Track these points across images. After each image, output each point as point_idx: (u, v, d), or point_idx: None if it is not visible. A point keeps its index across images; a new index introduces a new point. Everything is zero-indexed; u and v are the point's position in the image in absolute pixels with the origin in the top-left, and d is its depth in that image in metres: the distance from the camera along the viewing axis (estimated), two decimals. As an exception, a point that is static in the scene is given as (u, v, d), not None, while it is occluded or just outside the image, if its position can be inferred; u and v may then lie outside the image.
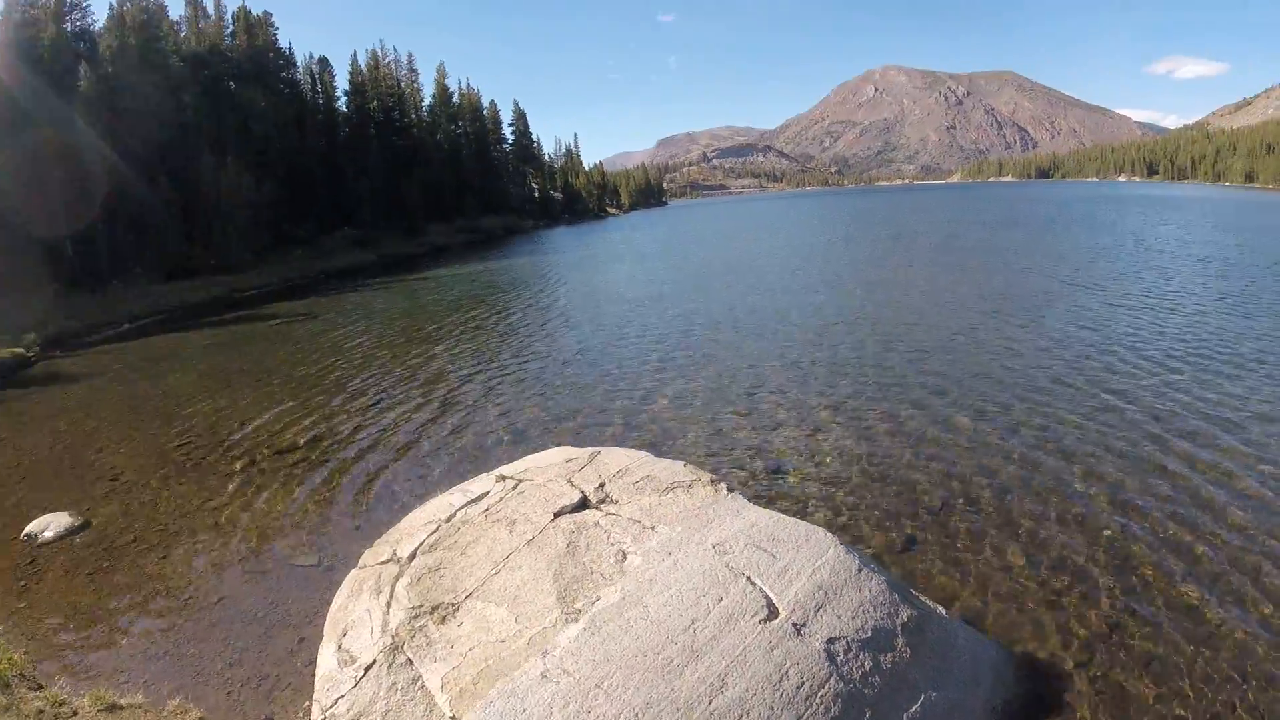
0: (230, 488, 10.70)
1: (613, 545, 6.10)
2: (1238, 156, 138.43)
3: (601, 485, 7.07)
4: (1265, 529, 7.50)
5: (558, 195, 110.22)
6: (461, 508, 7.15)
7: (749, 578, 5.28)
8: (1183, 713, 5.19)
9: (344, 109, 70.65)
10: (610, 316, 23.36)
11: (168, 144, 41.93)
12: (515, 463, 8.39)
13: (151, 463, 12.10)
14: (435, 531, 6.81)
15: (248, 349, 22.26)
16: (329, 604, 6.48)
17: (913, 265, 32.88)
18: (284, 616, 7.12)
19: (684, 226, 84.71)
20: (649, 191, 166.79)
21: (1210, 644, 5.86)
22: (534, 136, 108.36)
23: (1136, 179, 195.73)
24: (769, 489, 9.25)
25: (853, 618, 5.07)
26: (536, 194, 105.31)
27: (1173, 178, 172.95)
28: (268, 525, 9.36)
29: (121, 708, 4.69)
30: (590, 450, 8.15)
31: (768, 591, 5.14)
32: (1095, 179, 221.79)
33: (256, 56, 58.16)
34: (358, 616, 5.90)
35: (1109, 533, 7.62)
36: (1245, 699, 5.26)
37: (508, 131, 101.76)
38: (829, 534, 5.99)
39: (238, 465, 11.62)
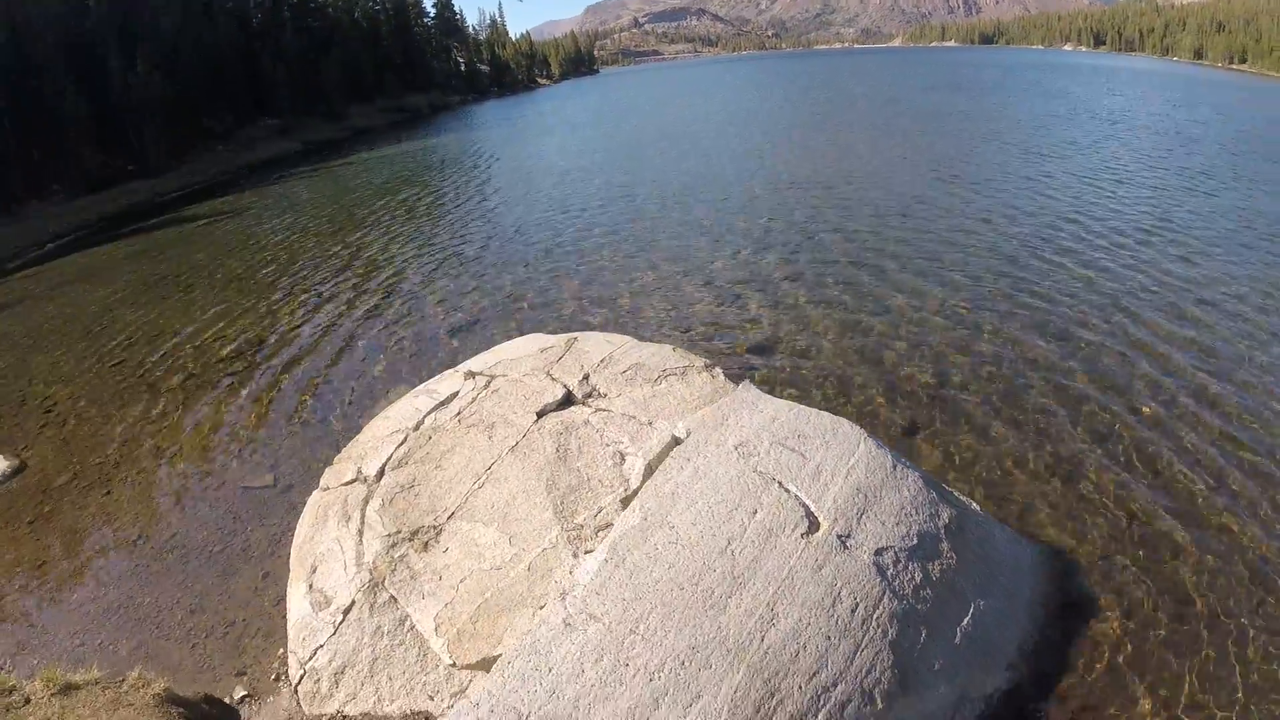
0: (170, 406, 9.63)
1: (608, 446, 5.41)
2: (1186, 32, 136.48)
3: (586, 377, 6.29)
4: (1255, 411, 7.29)
5: (484, 68, 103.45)
6: (429, 412, 6.28)
7: (780, 483, 4.65)
8: (1215, 603, 4.98)
9: None
10: (546, 192, 21.93)
11: (72, 49, 38.53)
12: (483, 355, 7.49)
13: (85, 388, 10.82)
14: (403, 443, 5.97)
15: (172, 254, 20.19)
16: (291, 531, 5.72)
17: (865, 130, 31.62)
18: (244, 549, 6.34)
19: (617, 95, 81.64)
20: (580, 60, 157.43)
21: (1218, 535, 5.64)
22: (457, 9, 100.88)
23: (1083, 49, 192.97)
24: (748, 370, 8.62)
25: (896, 523, 4.53)
26: (462, 68, 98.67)
27: (1119, 49, 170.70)
28: (214, 444, 8.42)
29: (78, 687, 3.97)
30: (566, 337, 7.30)
31: (804, 499, 4.54)
32: (1040, 46, 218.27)
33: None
34: (326, 548, 5.15)
35: (1105, 416, 7.29)
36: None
37: (429, 5, 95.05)
38: (854, 425, 5.41)
39: (175, 380, 10.45)
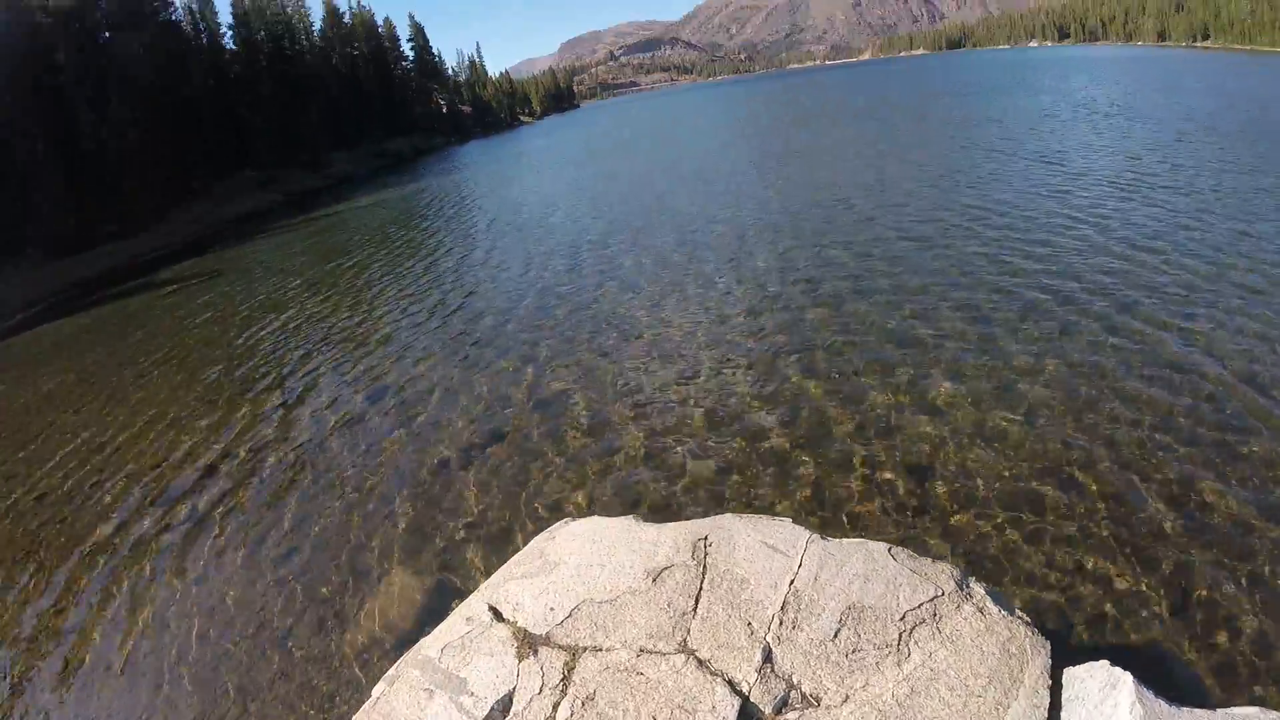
0: (75, 591, 7.26)
1: None
2: (1148, 15, 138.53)
3: (767, 656, 3.46)
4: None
5: (466, 109, 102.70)
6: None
7: None
8: None
9: (231, 45, 63.06)
10: (537, 248, 19.08)
11: (44, 107, 36.80)
12: (536, 576, 4.43)
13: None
14: None
15: (138, 332, 17.92)
16: None
17: (878, 145, 30.02)
18: None
19: (600, 128, 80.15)
20: (560, 95, 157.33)
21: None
22: (435, 51, 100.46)
23: (1049, 43, 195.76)
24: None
25: None
26: (444, 110, 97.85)
27: (1085, 39, 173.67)
28: (139, 665, 6.01)
29: None
30: (684, 532, 4.48)
31: None
32: (1007, 46, 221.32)
33: (128, 3, 50.02)
34: None
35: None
36: None
37: (407, 48, 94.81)
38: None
39: (99, 556, 7.77)
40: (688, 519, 5.35)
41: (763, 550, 4.24)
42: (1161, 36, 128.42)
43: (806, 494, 6.55)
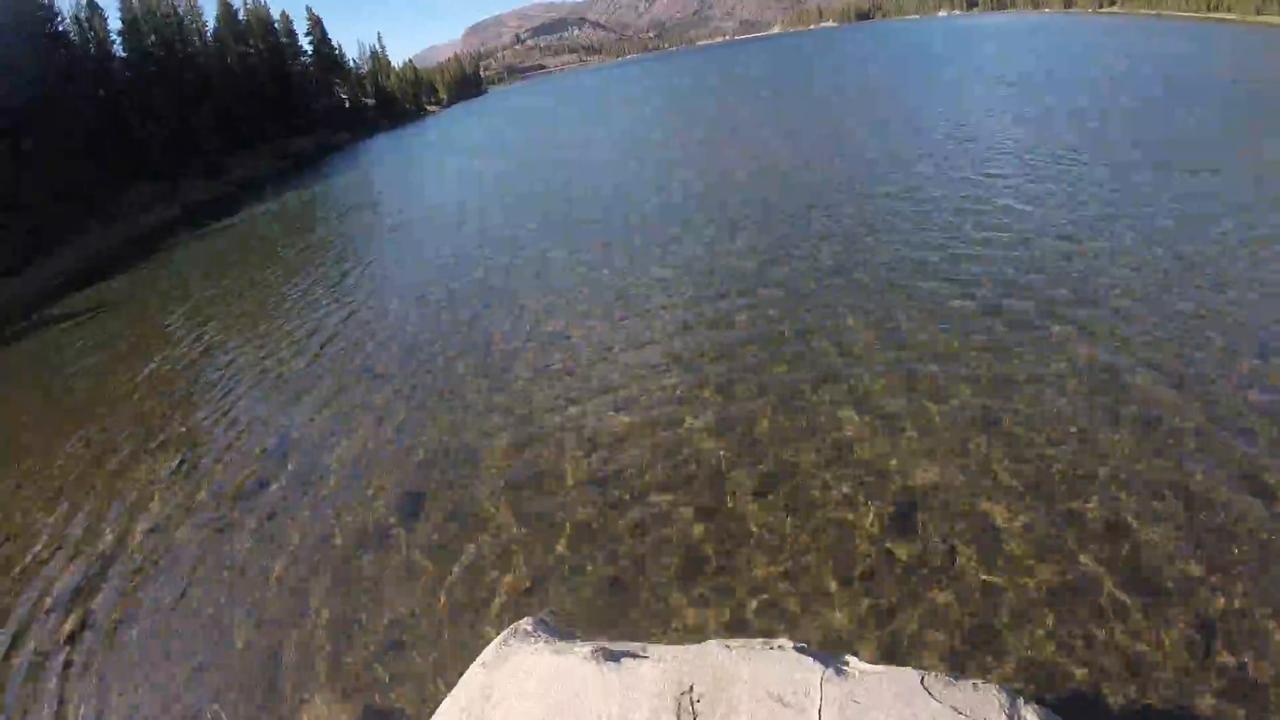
0: None
1: None
2: None
3: None
4: None
5: (370, 101, 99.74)
6: None
7: None
8: None
9: (121, 52, 59.62)
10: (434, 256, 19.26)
11: None
12: None
13: None
14: None
15: (13, 392, 16.53)
16: None
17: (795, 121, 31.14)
18: None
19: (505, 115, 79.61)
20: (466, 82, 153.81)
21: None
22: (335, 44, 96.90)
23: (958, 12, 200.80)
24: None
25: None
26: (347, 104, 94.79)
27: (993, 8, 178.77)
28: None
29: None
30: (667, 678, 3.60)
31: None
32: (917, 16, 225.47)
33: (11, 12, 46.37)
34: None
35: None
36: None
37: (305, 43, 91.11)
38: None
39: None
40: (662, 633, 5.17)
41: (768, 705, 3.34)
42: (1068, 4, 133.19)
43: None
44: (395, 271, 18.43)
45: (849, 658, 3.71)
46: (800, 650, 3.61)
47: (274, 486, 9.03)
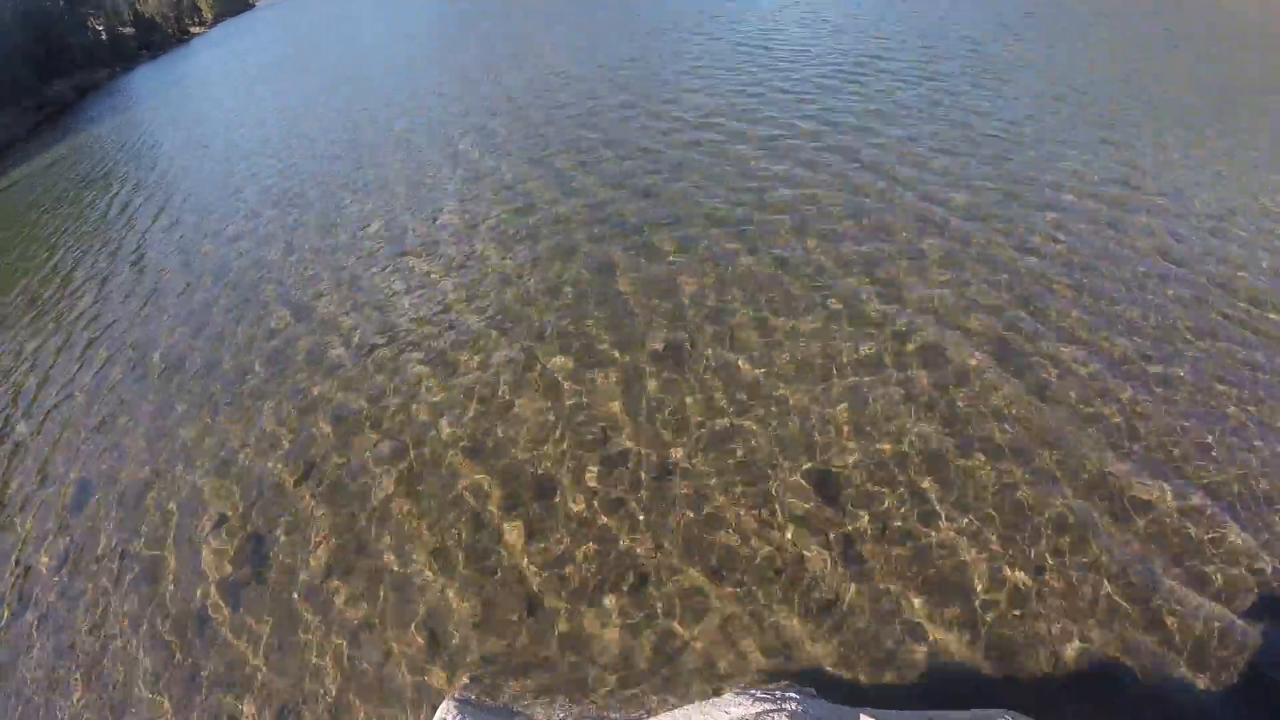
0: None
1: None
2: None
3: None
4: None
5: (128, 30, 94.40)
6: None
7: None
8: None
9: None
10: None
11: None
12: None
13: None
14: None
15: None
16: None
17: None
18: None
19: (280, 37, 74.52)
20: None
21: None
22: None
23: None
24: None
25: None
26: (104, 36, 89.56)
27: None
28: None
29: None
30: None
31: None
32: None
33: None
34: None
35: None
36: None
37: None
38: None
39: None
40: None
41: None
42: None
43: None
44: (176, 246, 18.15)
45: (862, 715, 3.74)
46: (809, 698, 3.62)
47: (84, 547, 8.59)
